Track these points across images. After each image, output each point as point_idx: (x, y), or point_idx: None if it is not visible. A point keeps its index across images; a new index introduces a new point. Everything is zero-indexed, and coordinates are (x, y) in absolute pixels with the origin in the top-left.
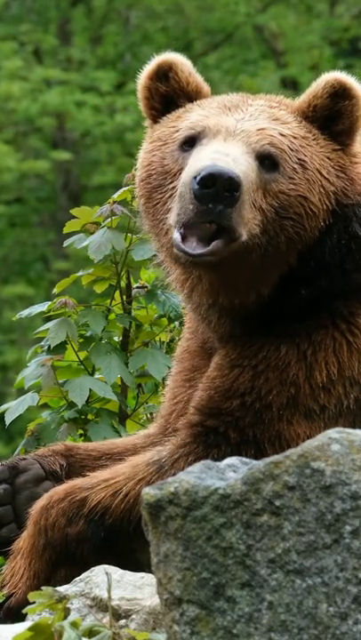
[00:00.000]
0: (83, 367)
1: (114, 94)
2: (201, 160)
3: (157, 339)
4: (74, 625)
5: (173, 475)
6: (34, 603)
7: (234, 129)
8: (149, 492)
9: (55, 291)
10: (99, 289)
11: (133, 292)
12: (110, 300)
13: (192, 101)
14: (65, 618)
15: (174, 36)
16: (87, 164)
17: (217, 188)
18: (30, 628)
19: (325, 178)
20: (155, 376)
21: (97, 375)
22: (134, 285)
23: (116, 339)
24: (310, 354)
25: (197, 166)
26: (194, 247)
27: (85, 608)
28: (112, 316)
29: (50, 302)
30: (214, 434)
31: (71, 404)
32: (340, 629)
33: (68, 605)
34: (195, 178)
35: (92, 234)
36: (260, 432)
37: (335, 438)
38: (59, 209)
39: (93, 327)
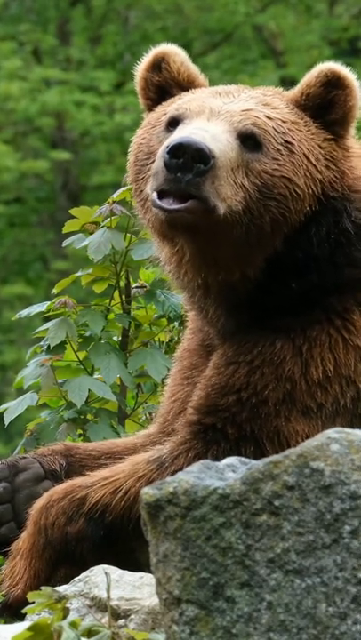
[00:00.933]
0: (82, 367)
1: (113, 94)
2: (180, 132)
3: (157, 339)
4: (73, 625)
5: (174, 472)
6: (33, 602)
7: (218, 109)
8: (148, 492)
9: (54, 291)
10: (98, 289)
11: (133, 291)
12: (109, 299)
13: (185, 90)
14: (64, 618)
15: (173, 35)
16: (86, 164)
17: (186, 158)
18: (29, 628)
19: (313, 164)
20: (154, 376)
21: (96, 375)
22: (133, 285)
23: (115, 339)
24: (306, 349)
25: (173, 137)
26: (170, 203)
27: (84, 608)
28: (111, 316)
29: (49, 302)
30: (213, 430)
31: (70, 404)
32: (340, 629)
33: (68, 605)
34: (167, 147)
35: (91, 234)
36: (257, 428)
37: (334, 438)
38: (58, 209)
39: (93, 327)
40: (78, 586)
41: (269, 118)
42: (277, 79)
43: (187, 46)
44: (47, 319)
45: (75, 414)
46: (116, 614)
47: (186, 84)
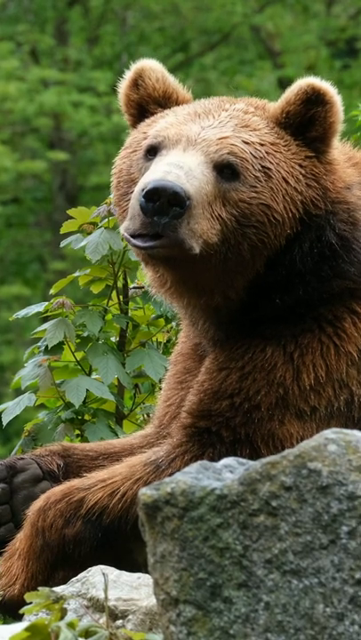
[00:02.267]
0: (80, 367)
1: (111, 95)
2: (154, 172)
3: (154, 339)
4: (70, 625)
5: (170, 474)
6: (30, 603)
7: (195, 138)
8: (146, 493)
9: (52, 291)
10: (96, 289)
11: (130, 292)
12: (107, 300)
13: (163, 107)
14: (62, 618)
15: (171, 36)
16: (84, 165)
17: (162, 201)
18: (27, 629)
19: (292, 187)
20: (151, 376)
21: (94, 375)
22: (131, 286)
23: (112, 339)
24: (297, 356)
25: (147, 179)
26: (145, 241)
27: (82, 608)
28: (109, 317)
29: (47, 303)
30: (208, 433)
31: (68, 405)
32: (337, 630)
33: (65, 606)
34: (142, 190)
35: (88, 234)
36: (251, 431)
37: (332, 439)
38: (55, 209)
39: (90, 327)
40: (76, 586)
41: (247, 143)
42: (275, 79)
43: (184, 47)
44: (45, 320)
45: (72, 415)
46: (114, 615)
47: (162, 101)
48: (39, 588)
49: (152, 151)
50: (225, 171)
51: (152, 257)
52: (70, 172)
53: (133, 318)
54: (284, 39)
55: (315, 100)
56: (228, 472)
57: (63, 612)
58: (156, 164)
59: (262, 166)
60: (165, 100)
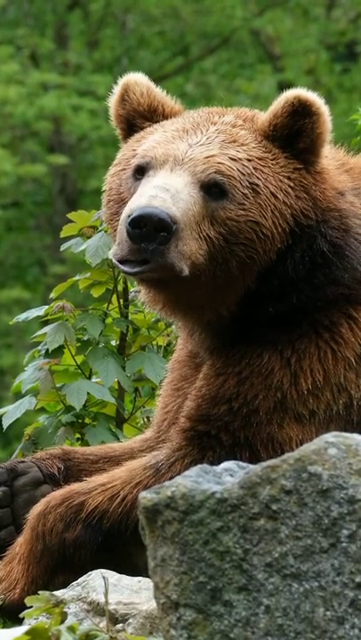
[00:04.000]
0: (80, 371)
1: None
2: (140, 196)
3: (154, 342)
4: (71, 629)
5: (170, 478)
6: (30, 607)
7: (182, 157)
8: (146, 496)
9: (52, 295)
10: (96, 293)
11: (130, 295)
12: (107, 303)
13: (151, 120)
14: (62, 622)
15: (171, 39)
16: (84, 168)
17: (148, 228)
18: (27, 632)
19: (282, 200)
20: (152, 380)
21: (94, 379)
22: (131, 289)
23: (113, 342)
24: (295, 361)
25: (133, 205)
26: (133, 267)
27: (82, 612)
28: (109, 320)
29: (47, 306)
30: (207, 437)
31: (68, 408)
32: (337, 633)
33: (65, 609)
34: (129, 217)
35: (88, 238)
36: (250, 435)
37: (332, 442)
38: (55, 213)
39: (91, 331)
40: (76, 590)
41: (234, 160)
42: (275, 83)
43: (184, 50)
44: (45, 323)
45: (73, 418)
46: (114, 618)
47: (148, 115)
48: (39, 592)
49: (140, 171)
50: (212, 190)
51: (142, 280)
52: (70, 176)
53: (134, 322)
54: (283, 43)
55: (302, 111)
56: (228, 476)
57: (63, 616)
58: (144, 187)
59: (250, 182)
60: (151, 114)
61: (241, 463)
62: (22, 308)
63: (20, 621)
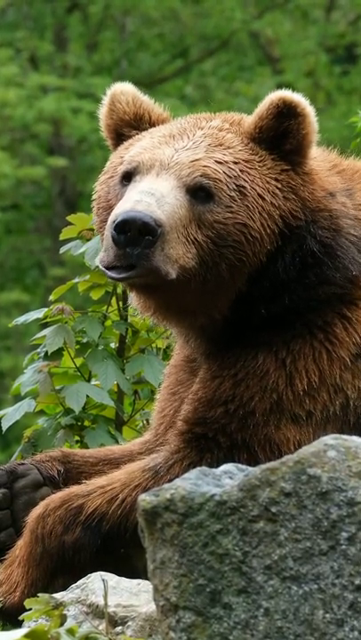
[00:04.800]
0: (79, 373)
1: None
2: (125, 202)
3: (154, 345)
4: (70, 632)
5: (169, 480)
6: (30, 609)
7: (168, 162)
8: (146, 499)
9: (52, 297)
10: (95, 295)
11: (130, 298)
12: (107, 306)
13: (138, 129)
14: (61, 624)
15: (170, 42)
16: (83, 171)
17: (133, 233)
18: (27, 635)
19: (269, 202)
20: (151, 382)
21: (93, 381)
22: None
23: (112, 345)
24: (290, 362)
25: (118, 211)
26: (119, 272)
27: (82, 615)
28: (108, 323)
29: (46, 309)
30: (205, 439)
31: (68, 411)
32: (337, 636)
33: (65, 612)
34: (113, 222)
35: (88, 240)
36: (248, 437)
37: (331, 445)
38: (55, 215)
39: (90, 334)
40: (75, 592)
41: (220, 163)
42: (274, 85)
43: (183, 53)
44: (44, 326)
45: (72, 421)
46: (114, 621)
47: (135, 123)
48: (39, 595)
49: (127, 177)
50: (199, 193)
51: (131, 285)
52: (70, 179)
53: (133, 324)
54: (283, 45)
55: (287, 113)
56: (227, 478)
57: (63, 619)
58: (130, 192)
59: (237, 185)
60: (138, 122)
61: (240, 465)
62: (21, 310)
63: (20, 624)
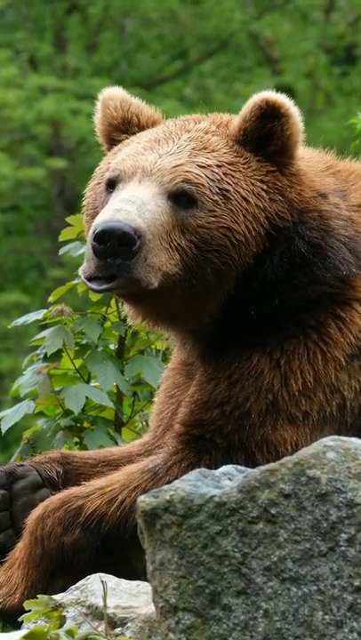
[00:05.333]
0: (79, 375)
1: None
2: (106, 211)
3: (153, 346)
4: (69, 633)
5: (168, 482)
6: (29, 611)
7: (150, 168)
8: (145, 500)
9: (51, 299)
10: (94, 297)
11: None
12: (106, 307)
13: (127, 133)
14: (60, 626)
15: (170, 43)
16: (83, 172)
17: (112, 243)
18: (26, 636)
19: (254, 204)
20: (150, 384)
21: (93, 383)
22: None
23: (111, 346)
24: (284, 362)
25: (98, 221)
26: (100, 284)
27: (81, 616)
28: (108, 324)
29: (45, 310)
30: (202, 440)
31: (67, 412)
32: (336, 637)
33: (64, 613)
34: (93, 233)
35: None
36: (244, 437)
37: (330, 446)
38: (54, 217)
39: (89, 335)
40: (74, 594)
41: (203, 167)
42: (274, 86)
43: (183, 54)
44: (44, 327)
45: (71, 422)
46: (113, 622)
47: (123, 127)
48: (38, 596)
49: (111, 185)
50: (181, 199)
51: (117, 294)
52: (69, 180)
53: (132, 326)
54: (282, 46)
55: (270, 114)
56: (226, 479)
57: (62, 620)
58: (111, 200)
59: (220, 189)
60: (127, 126)
61: (240, 467)
62: (21, 311)
63: (20, 625)
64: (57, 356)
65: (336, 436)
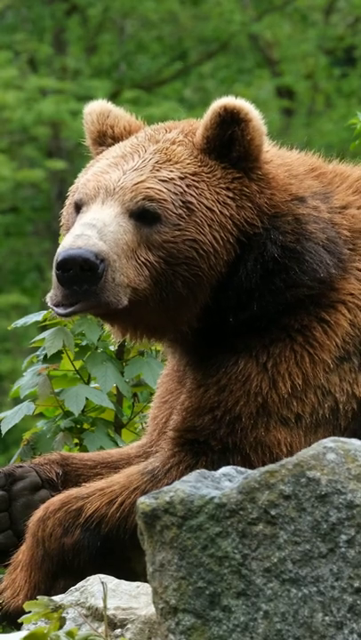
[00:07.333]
0: (79, 376)
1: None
2: (67, 238)
3: (153, 348)
4: (69, 634)
5: (167, 484)
6: (29, 612)
7: (113, 187)
8: (145, 502)
9: None
10: None
11: None
12: None
13: (103, 145)
14: (60, 627)
15: (169, 45)
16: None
17: (75, 271)
18: (26, 638)
19: (219, 213)
20: (150, 385)
21: (93, 384)
22: None
23: (111, 348)
24: (271, 366)
25: (60, 249)
26: (65, 307)
27: (81, 617)
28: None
29: (45, 312)
30: (197, 443)
31: (67, 414)
32: (336, 638)
33: (64, 615)
34: (55, 261)
35: None
36: (238, 440)
37: (330, 447)
38: (53, 218)
39: (89, 336)
40: (74, 595)
41: (165, 181)
42: (273, 88)
43: (182, 55)
44: (43, 328)
45: (71, 423)
46: (113, 624)
47: (100, 140)
48: (38, 597)
49: (78, 207)
50: (144, 216)
51: (93, 314)
52: (68, 181)
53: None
54: (282, 48)
55: (230, 120)
56: (226, 481)
57: (62, 621)
58: (75, 225)
59: (183, 201)
60: (102, 139)
61: (239, 468)
62: (20, 313)
63: (19, 626)
64: (57, 357)
65: (336, 438)
